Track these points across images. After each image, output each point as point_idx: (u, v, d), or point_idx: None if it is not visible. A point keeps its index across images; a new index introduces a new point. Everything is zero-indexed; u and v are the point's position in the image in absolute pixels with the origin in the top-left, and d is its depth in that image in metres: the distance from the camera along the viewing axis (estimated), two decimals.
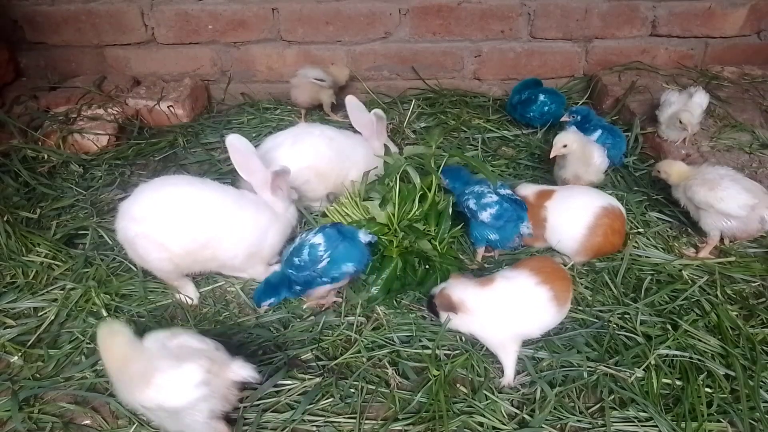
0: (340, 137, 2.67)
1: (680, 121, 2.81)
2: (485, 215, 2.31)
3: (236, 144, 2.25)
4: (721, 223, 2.38)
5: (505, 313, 1.95)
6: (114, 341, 1.62)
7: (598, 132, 2.80)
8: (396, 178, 2.45)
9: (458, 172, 2.53)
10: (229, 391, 1.70)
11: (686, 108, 2.83)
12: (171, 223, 2.09)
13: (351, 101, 2.72)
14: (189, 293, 2.28)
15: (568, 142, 2.55)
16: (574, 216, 2.35)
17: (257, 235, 2.24)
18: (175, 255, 2.12)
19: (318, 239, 2.09)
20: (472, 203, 2.35)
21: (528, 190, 2.47)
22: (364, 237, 2.14)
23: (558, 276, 1.99)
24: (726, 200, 2.33)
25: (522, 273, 1.98)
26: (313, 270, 2.08)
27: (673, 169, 2.53)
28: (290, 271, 2.10)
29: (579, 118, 2.89)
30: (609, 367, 1.98)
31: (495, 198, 2.32)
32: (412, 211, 2.41)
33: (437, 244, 2.36)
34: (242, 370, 1.69)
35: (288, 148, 2.53)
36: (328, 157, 2.58)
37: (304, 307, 2.21)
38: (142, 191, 2.15)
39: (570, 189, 2.52)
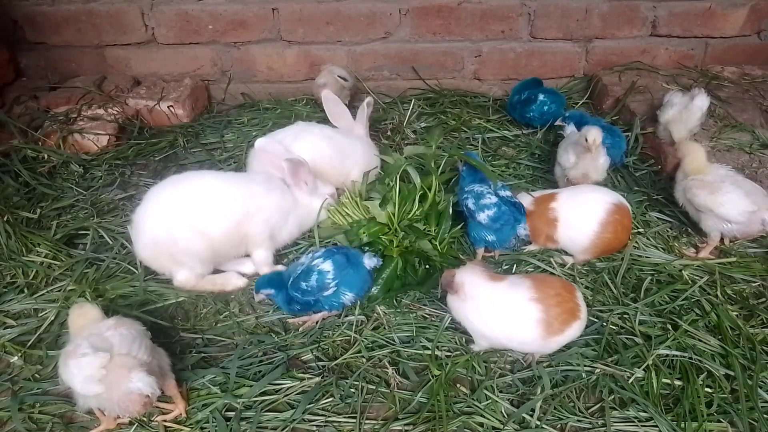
0: (339, 136, 2.68)
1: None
2: (483, 216, 2.31)
3: (266, 148, 2.39)
4: (721, 225, 2.38)
5: (491, 313, 1.94)
6: (76, 317, 1.81)
7: None
8: (396, 177, 2.45)
9: (476, 169, 2.48)
10: (125, 398, 1.65)
11: (681, 117, 2.82)
12: (208, 206, 2.20)
13: (327, 95, 2.78)
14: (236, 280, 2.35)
15: (599, 137, 2.51)
16: (586, 212, 2.34)
17: (280, 216, 2.36)
18: (215, 240, 2.22)
19: (327, 266, 2.11)
20: (470, 203, 2.35)
21: (526, 200, 2.43)
22: (368, 262, 2.15)
23: (560, 304, 1.90)
24: (726, 205, 2.32)
25: (525, 283, 1.95)
26: (318, 296, 2.11)
27: (693, 153, 2.46)
28: (295, 293, 2.11)
29: (572, 123, 2.89)
30: (608, 366, 1.98)
31: (494, 200, 2.31)
32: (413, 211, 2.41)
33: (437, 244, 2.36)
34: (138, 381, 1.64)
35: (287, 146, 2.54)
36: (328, 155, 2.59)
37: (300, 330, 2.18)
38: (166, 187, 2.24)
39: (576, 188, 2.51)
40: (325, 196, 2.48)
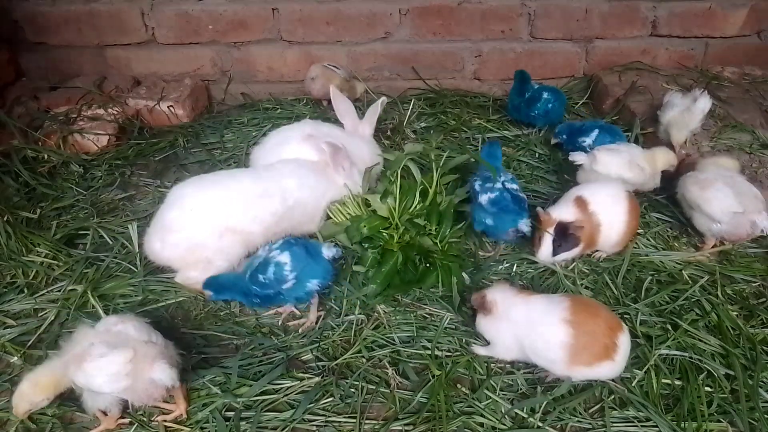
0: (344, 136, 2.67)
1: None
2: (484, 198, 2.35)
3: (311, 131, 2.54)
4: (710, 224, 2.38)
5: (520, 326, 1.90)
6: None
7: (595, 132, 2.81)
8: (398, 172, 2.45)
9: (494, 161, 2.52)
10: (148, 388, 1.68)
11: (683, 118, 2.82)
12: (249, 209, 2.24)
13: (335, 92, 2.80)
14: None
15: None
16: (616, 205, 2.32)
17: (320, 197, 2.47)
18: (257, 236, 2.27)
19: (284, 258, 2.06)
20: (477, 185, 2.42)
21: (569, 209, 2.31)
22: (327, 252, 2.12)
23: (594, 335, 1.80)
24: (711, 202, 2.32)
25: (563, 303, 1.88)
26: (278, 289, 2.07)
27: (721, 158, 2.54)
28: (254, 287, 2.07)
29: (565, 137, 2.94)
30: None
31: (498, 186, 2.36)
32: (413, 206, 2.41)
33: (438, 241, 2.36)
34: (160, 372, 1.67)
35: (295, 145, 2.55)
36: None
37: (300, 331, 2.16)
38: (202, 188, 2.25)
39: (591, 186, 2.44)
40: (357, 184, 2.53)
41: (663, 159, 2.65)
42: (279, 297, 2.10)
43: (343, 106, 2.82)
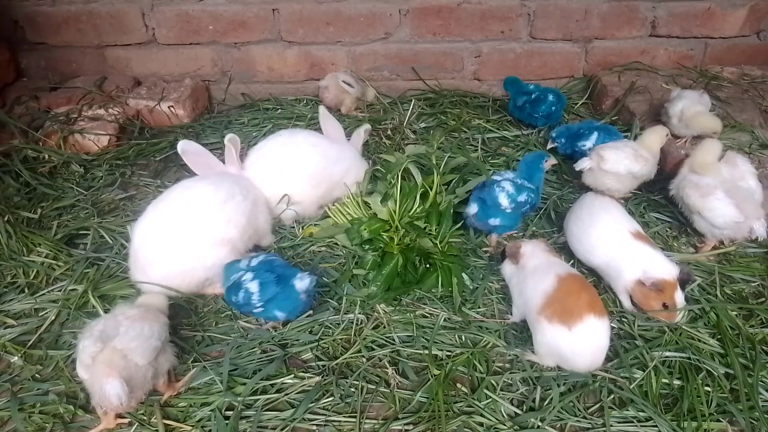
0: (325, 143, 2.64)
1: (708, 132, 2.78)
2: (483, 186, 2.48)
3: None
4: (710, 228, 2.39)
5: (526, 272, 2.06)
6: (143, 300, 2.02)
7: (595, 135, 2.81)
8: (398, 175, 2.46)
9: (532, 166, 2.57)
10: (102, 395, 1.68)
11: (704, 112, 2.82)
12: (218, 216, 2.26)
13: (324, 113, 2.74)
14: None
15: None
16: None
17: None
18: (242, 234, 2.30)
19: (254, 286, 2.04)
20: (494, 176, 2.50)
21: (655, 254, 2.15)
22: (300, 285, 2.06)
23: (568, 294, 1.89)
24: (714, 211, 2.34)
25: (569, 269, 2.04)
26: (249, 310, 2.09)
27: (705, 149, 2.47)
28: (230, 301, 2.11)
29: (563, 140, 2.95)
30: (608, 370, 1.97)
31: (499, 179, 2.45)
32: (413, 209, 2.42)
33: (438, 242, 2.37)
34: (110, 388, 1.65)
35: (275, 159, 2.54)
36: (314, 163, 2.56)
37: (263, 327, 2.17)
38: (169, 214, 2.23)
39: (598, 211, 2.34)
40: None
41: (655, 137, 2.67)
42: (252, 314, 2.12)
43: (329, 128, 2.73)
